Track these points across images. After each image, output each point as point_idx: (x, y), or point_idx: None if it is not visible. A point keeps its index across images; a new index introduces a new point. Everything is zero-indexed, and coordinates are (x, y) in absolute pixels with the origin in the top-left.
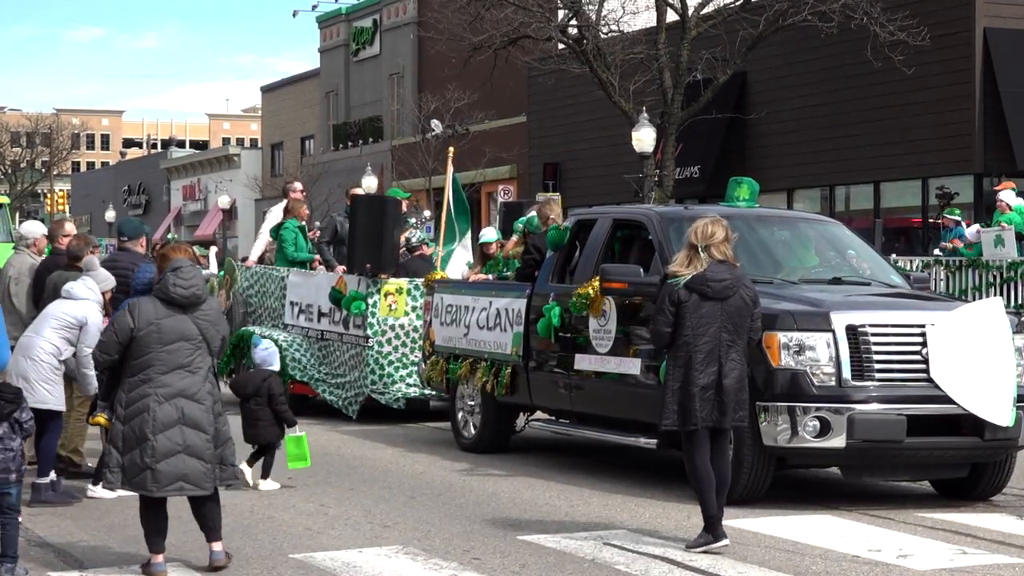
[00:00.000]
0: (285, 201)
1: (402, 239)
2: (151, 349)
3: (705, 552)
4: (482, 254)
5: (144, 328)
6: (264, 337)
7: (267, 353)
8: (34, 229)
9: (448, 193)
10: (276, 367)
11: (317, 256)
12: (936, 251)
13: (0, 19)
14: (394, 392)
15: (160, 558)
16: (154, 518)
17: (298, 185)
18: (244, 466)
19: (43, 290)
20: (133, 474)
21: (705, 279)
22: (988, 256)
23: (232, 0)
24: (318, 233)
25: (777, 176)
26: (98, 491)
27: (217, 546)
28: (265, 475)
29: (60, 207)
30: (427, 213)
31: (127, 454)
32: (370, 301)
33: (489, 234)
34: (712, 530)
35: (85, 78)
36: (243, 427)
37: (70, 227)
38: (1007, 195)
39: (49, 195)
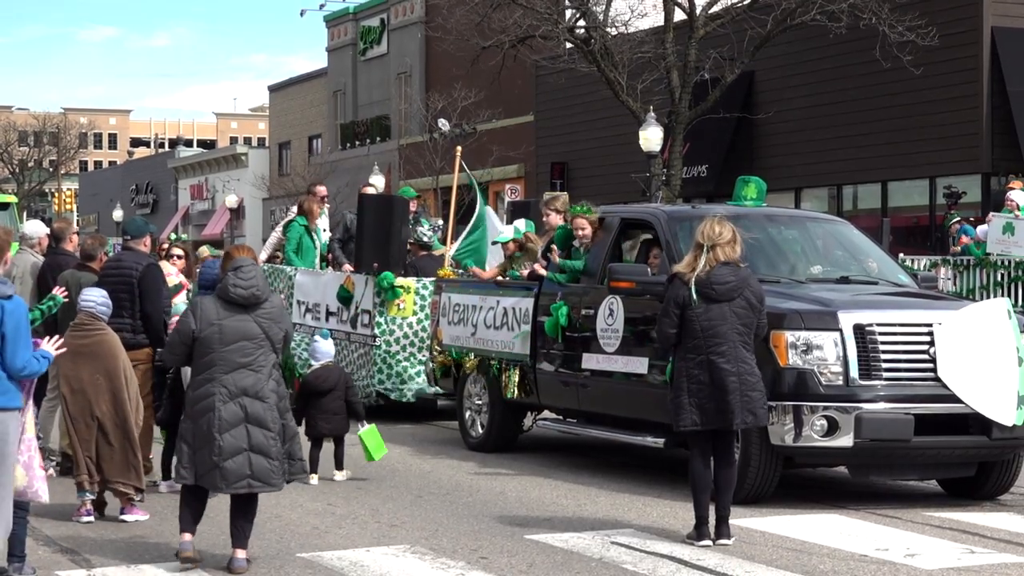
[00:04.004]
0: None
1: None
2: (213, 349)
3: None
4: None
5: (205, 329)
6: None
7: (326, 345)
8: (37, 229)
9: (454, 186)
10: (331, 359)
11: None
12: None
13: (15, 19)
14: (402, 391)
15: (188, 536)
16: (193, 505)
17: (322, 189)
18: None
19: (47, 290)
20: (203, 471)
21: (709, 282)
22: (993, 244)
23: (245, 0)
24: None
25: (785, 175)
26: (164, 487)
27: (241, 553)
28: (339, 467)
29: (68, 206)
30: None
31: (197, 452)
32: (377, 300)
33: (507, 232)
34: (698, 530)
35: (98, 77)
36: (318, 422)
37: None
38: (1017, 195)
39: (57, 194)
